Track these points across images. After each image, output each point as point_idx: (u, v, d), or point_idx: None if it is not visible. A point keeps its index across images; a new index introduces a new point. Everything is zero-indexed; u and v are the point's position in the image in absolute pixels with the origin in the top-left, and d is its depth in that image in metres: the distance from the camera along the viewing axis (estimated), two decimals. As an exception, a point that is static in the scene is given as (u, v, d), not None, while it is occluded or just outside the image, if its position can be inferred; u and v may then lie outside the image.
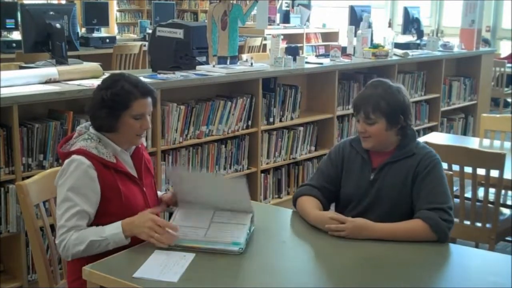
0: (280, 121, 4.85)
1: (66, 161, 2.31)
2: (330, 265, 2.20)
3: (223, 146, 4.42)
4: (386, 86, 2.55)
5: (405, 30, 6.97)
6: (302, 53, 9.24)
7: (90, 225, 2.32)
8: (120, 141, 2.42)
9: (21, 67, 4.36)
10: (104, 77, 2.48)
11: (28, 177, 2.56)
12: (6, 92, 3.31)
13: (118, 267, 2.08)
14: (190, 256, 2.13)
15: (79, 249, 2.23)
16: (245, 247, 2.20)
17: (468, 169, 3.41)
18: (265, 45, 8.65)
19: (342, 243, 2.31)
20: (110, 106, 2.34)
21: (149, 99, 2.42)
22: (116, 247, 2.24)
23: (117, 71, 2.57)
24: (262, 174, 4.76)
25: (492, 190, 3.45)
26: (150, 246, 2.21)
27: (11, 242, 3.41)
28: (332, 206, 2.70)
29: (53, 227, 2.59)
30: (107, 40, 7.46)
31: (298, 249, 2.38)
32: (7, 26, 6.71)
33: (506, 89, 9.33)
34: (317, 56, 6.60)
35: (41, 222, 2.55)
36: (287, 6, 11.33)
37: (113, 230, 2.24)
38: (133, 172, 2.47)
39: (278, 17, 10.42)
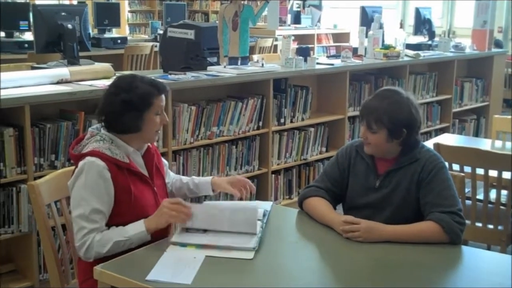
0: (291, 122, 4.84)
1: (80, 163, 2.32)
2: (341, 266, 2.19)
3: (234, 146, 4.42)
4: (394, 99, 2.50)
5: (417, 30, 6.94)
6: (313, 54, 9.21)
7: None
8: (136, 140, 2.44)
9: (33, 68, 4.39)
10: (113, 81, 2.49)
11: (39, 177, 2.57)
12: (18, 92, 3.33)
13: (129, 267, 2.08)
14: (201, 257, 2.13)
15: (103, 250, 2.25)
16: (258, 245, 2.21)
17: (480, 171, 3.40)
18: (276, 46, 8.64)
19: (354, 244, 2.31)
20: (135, 108, 2.37)
21: (163, 95, 2.47)
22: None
23: (126, 74, 2.60)
24: (273, 175, 4.76)
25: (504, 192, 3.43)
26: (160, 246, 2.23)
27: (22, 242, 3.43)
28: (340, 209, 2.69)
29: (64, 227, 2.61)
30: (119, 41, 7.48)
31: (309, 250, 2.38)
32: (21, 28, 6.75)
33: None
34: (328, 57, 6.59)
35: (53, 222, 2.56)
36: (298, 7, 11.31)
37: (137, 230, 2.30)
38: (145, 173, 2.48)
39: (289, 17, 10.41)
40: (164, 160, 2.72)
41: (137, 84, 2.39)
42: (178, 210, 2.30)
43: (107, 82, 3.70)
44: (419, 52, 6.10)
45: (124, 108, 2.36)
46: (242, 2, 4.42)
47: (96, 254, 2.26)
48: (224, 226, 2.31)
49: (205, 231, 2.31)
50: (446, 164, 2.60)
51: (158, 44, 6.33)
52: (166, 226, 2.39)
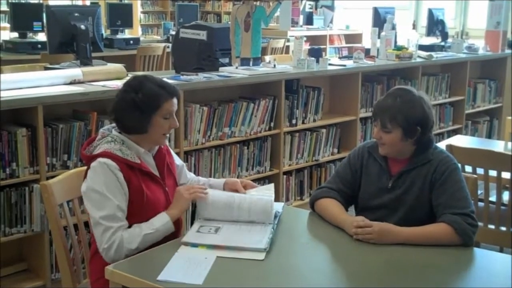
0: (303, 122, 4.84)
1: (92, 164, 2.32)
2: (352, 268, 2.19)
3: (246, 147, 4.43)
4: (407, 98, 2.50)
5: (430, 31, 6.92)
6: (325, 54, 9.21)
7: None
8: (145, 142, 2.43)
9: (46, 68, 4.42)
10: (126, 79, 2.50)
11: (52, 177, 2.59)
12: (31, 92, 3.35)
13: (141, 267, 2.09)
14: (212, 258, 2.13)
15: (134, 246, 2.26)
16: (269, 246, 2.21)
17: (493, 173, 3.38)
18: (288, 47, 8.63)
19: (365, 245, 2.30)
20: (142, 108, 2.35)
21: (175, 99, 2.45)
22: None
23: (139, 73, 2.60)
24: (284, 176, 4.75)
25: (517, 194, 3.41)
26: (171, 246, 2.23)
27: (35, 241, 3.45)
28: (352, 210, 2.69)
29: (76, 227, 2.62)
30: (131, 42, 7.50)
31: (320, 251, 2.38)
32: (34, 29, 6.79)
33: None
34: (340, 57, 6.58)
35: (65, 222, 2.57)
36: (310, 8, 11.30)
37: (162, 221, 2.34)
38: (156, 173, 2.48)
39: (301, 18, 10.40)
40: (180, 161, 2.73)
41: (146, 85, 2.38)
42: (194, 189, 2.42)
43: (120, 83, 3.73)
44: (432, 53, 6.07)
45: (130, 108, 2.36)
46: (255, 3, 4.42)
47: (127, 252, 2.25)
48: (240, 215, 2.39)
49: (216, 231, 2.32)
50: (459, 165, 2.59)
51: (170, 45, 6.34)
52: (178, 226, 2.40)
